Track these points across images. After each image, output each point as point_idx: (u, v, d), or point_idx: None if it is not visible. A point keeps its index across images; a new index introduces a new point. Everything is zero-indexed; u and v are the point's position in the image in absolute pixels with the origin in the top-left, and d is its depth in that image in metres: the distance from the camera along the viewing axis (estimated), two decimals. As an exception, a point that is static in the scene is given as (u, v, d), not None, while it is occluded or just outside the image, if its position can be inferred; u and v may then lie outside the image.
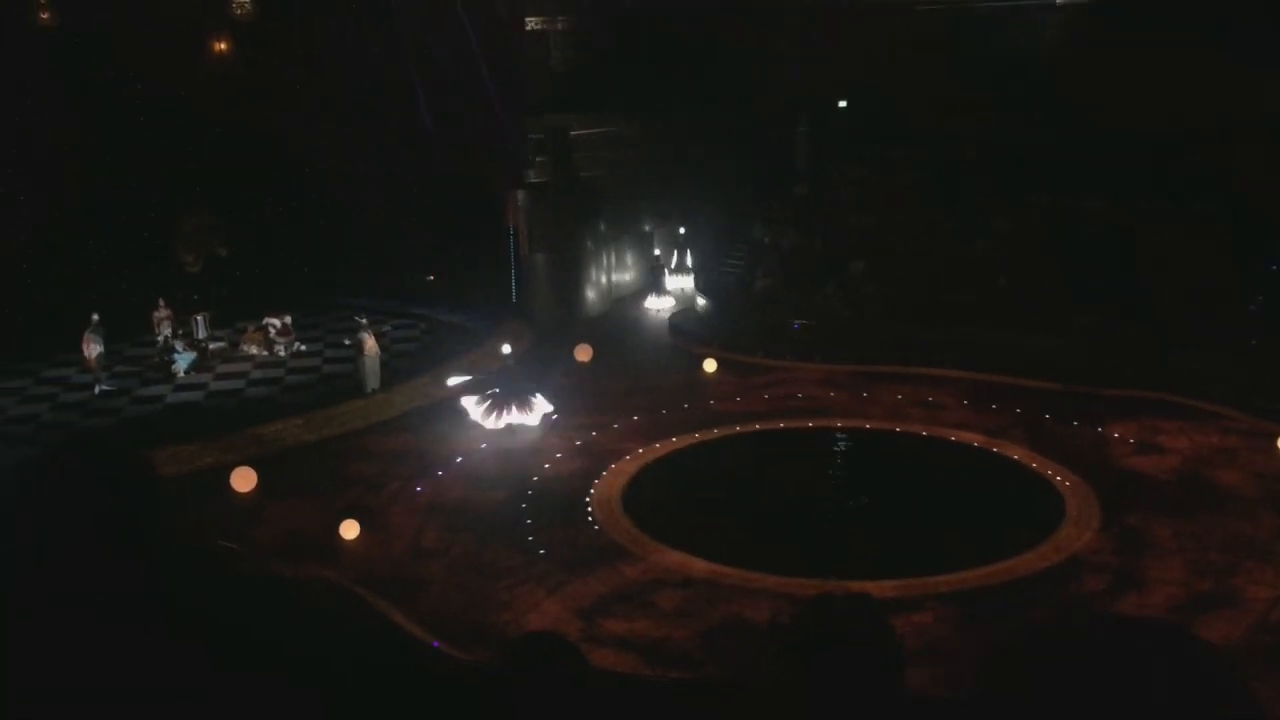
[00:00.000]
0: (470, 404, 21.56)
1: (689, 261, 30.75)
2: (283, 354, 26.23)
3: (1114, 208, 27.64)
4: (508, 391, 21.49)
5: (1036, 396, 22.80)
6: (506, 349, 22.99)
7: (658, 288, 30.40)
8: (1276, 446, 19.57)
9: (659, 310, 29.85)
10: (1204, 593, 15.10)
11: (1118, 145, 28.49)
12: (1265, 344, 22.72)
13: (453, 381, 22.93)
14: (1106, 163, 28.41)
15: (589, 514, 18.30)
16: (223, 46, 29.85)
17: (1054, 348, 24.31)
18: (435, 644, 13.88)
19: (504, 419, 21.24)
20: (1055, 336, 24.57)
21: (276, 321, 26.70)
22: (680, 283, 30.51)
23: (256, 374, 25.32)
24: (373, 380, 23.22)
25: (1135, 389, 22.61)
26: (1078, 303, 25.35)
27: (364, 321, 23.92)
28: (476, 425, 21.32)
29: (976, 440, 20.85)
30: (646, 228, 31.78)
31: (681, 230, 30.50)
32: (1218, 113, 27.93)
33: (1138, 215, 27.34)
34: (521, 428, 21.35)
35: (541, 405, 21.58)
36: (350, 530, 17.29)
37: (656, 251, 30.92)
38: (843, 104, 33.86)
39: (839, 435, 21.70)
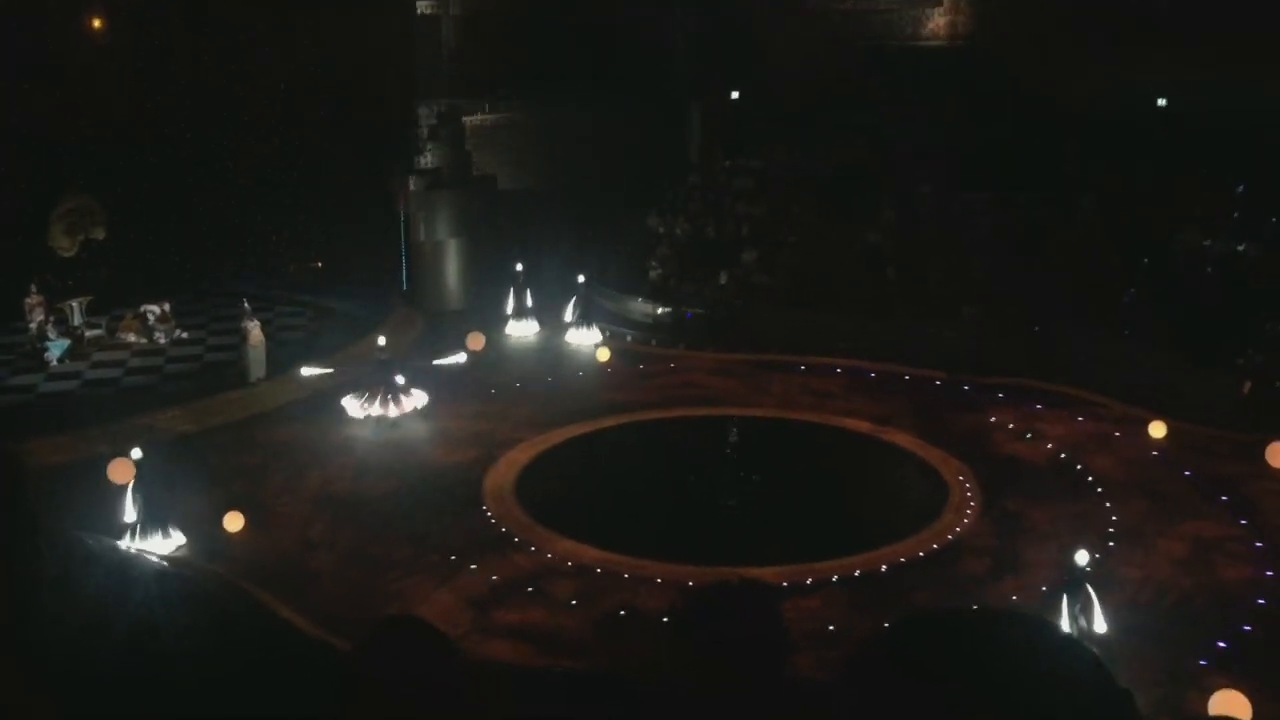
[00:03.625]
0: (350, 402, 21.19)
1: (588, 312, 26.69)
2: (162, 341, 25.42)
3: (999, 199, 28.42)
4: (382, 383, 21.15)
5: (923, 385, 23.34)
6: (381, 340, 22.58)
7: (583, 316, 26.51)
8: (1146, 432, 20.35)
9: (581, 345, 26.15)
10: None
11: (1004, 137, 29.32)
12: (1137, 333, 23.58)
13: (307, 372, 22.55)
14: (992, 155, 29.20)
15: (481, 504, 18.14)
16: (100, 19, 28.73)
17: (940, 337, 24.89)
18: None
19: (380, 409, 20.92)
20: (941, 326, 25.17)
21: (155, 308, 25.84)
22: (581, 337, 26.26)
23: (135, 362, 24.49)
24: (257, 369, 22.66)
25: (1017, 377, 23.31)
26: (964, 292, 26.00)
27: (248, 308, 23.32)
28: (361, 418, 20.93)
29: (864, 428, 21.24)
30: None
31: (580, 279, 26.67)
32: (1097, 103, 28.95)
33: (1022, 206, 28.17)
34: (403, 419, 21.03)
35: (419, 396, 21.32)
36: (234, 523, 16.85)
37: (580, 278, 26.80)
38: (735, 94, 34.13)
39: (731, 423, 21.90)
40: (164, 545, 16.17)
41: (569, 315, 26.58)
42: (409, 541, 16.76)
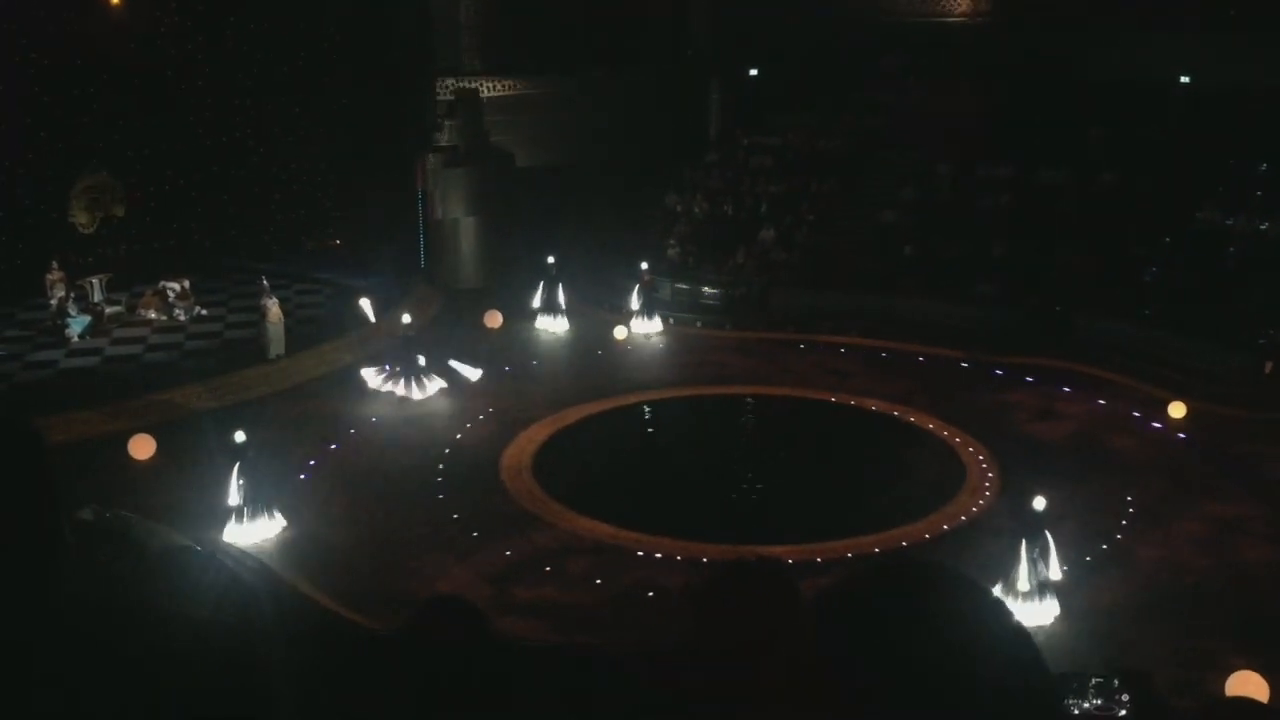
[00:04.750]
0: (370, 374, 21.26)
1: (561, 299, 25.69)
2: (182, 318, 25.53)
3: (1021, 177, 28.23)
4: (405, 362, 21.19)
5: (941, 364, 23.26)
6: (406, 319, 22.52)
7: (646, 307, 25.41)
8: (1167, 412, 20.24)
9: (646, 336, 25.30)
10: (1097, 554, 15.60)
11: (1025, 114, 29.09)
12: (1158, 312, 23.44)
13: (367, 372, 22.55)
14: (1016, 132, 29.00)
15: (499, 481, 18.22)
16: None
17: (959, 315, 24.80)
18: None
19: (404, 390, 20.99)
20: (960, 305, 25.07)
21: (176, 285, 25.94)
22: (550, 324, 25.62)
23: (155, 339, 24.62)
24: (276, 346, 22.75)
25: (1035, 356, 23.19)
26: (981, 271, 25.90)
27: (267, 285, 23.41)
28: (384, 393, 21.05)
29: (882, 407, 21.20)
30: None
31: (550, 260, 25.74)
32: (1119, 79, 28.69)
33: (1043, 184, 27.99)
34: (429, 395, 21.15)
35: (458, 371, 21.39)
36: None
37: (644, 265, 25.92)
38: (754, 71, 33.95)
39: (748, 402, 21.90)
40: (269, 529, 16.13)
41: (634, 304, 25.33)
42: (428, 518, 16.85)
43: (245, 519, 16.04)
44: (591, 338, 25.10)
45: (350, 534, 16.37)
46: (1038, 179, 28.14)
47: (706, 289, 27.37)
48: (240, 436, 16.20)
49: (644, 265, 25.87)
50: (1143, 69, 29.08)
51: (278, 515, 16.28)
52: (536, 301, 25.83)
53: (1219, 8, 29.50)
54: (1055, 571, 14.00)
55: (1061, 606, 14.01)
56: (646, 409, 21.51)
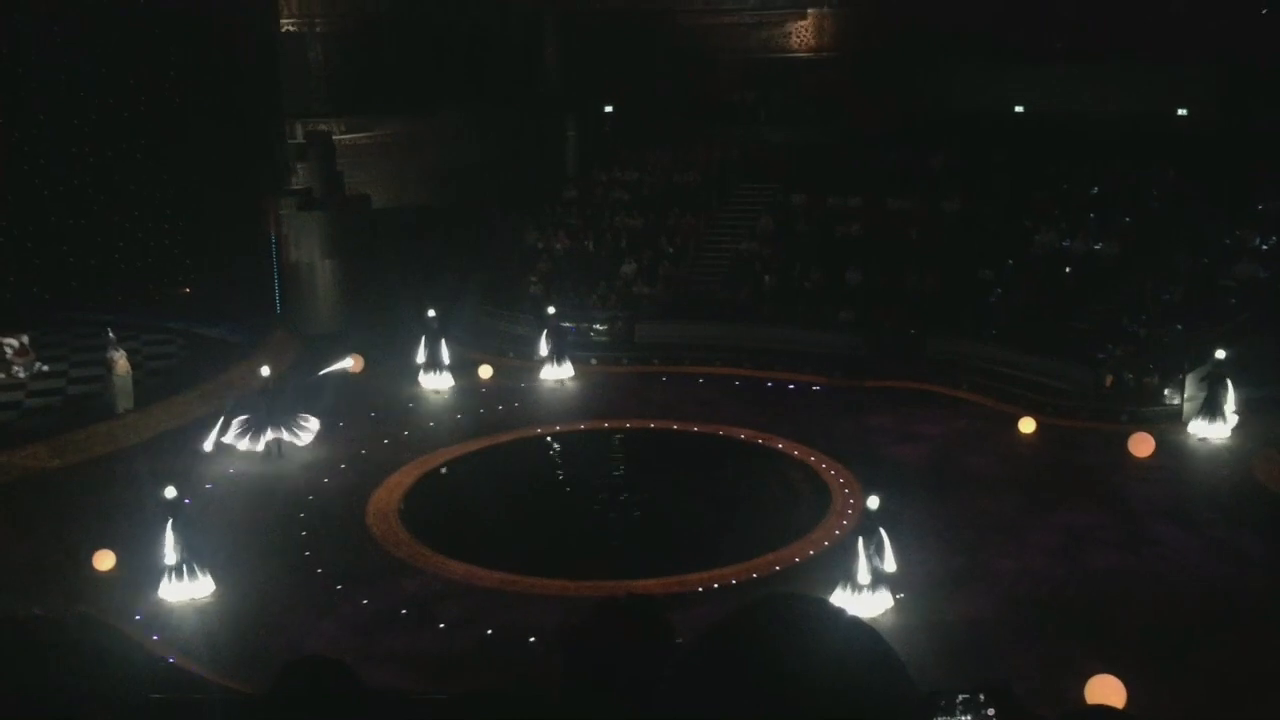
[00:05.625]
0: (231, 431, 20.57)
1: (444, 355, 24.39)
2: (21, 375, 24.30)
3: (871, 206, 29.12)
4: (268, 413, 20.62)
5: (804, 391, 23.74)
6: (265, 370, 21.86)
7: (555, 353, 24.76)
8: (1017, 429, 21.05)
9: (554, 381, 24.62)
10: (958, 568, 16.06)
11: (875, 144, 30.13)
12: (1005, 333, 24.38)
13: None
14: (864, 162, 29.98)
15: (366, 529, 17.80)
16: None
17: (819, 342, 25.38)
18: (170, 659, 13.25)
19: (264, 440, 20.43)
20: (820, 332, 25.66)
21: (14, 341, 24.68)
22: (434, 382, 24.34)
23: (-8, 398, 23.39)
24: (125, 400, 21.85)
25: (892, 380, 23.91)
26: (839, 298, 26.56)
27: (113, 337, 22.49)
28: (242, 448, 20.37)
29: (748, 435, 21.49)
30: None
31: (431, 313, 24.40)
32: (957, 110, 29.98)
33: (891, 212, 28.92)
34: (289, 448, 20.59)
35: (311, 425, 20.89)
36: (105, 561, 16.18)
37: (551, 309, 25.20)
38: (609, 109, 34.32)
39: (615, 436, 21.94)
40: (202, 587, 15.49)
41: (542, 349, 24.68)
42: (293, 571, 16.34)
43: (180, 577, 15.43)
44: (454, 375, 24.75)
45: (212, 592, 15.74)
46: (886, 207, 29.09)
47: (596, 326, 27.28)
48: (171, 492, 15.68)
49: (551, 309, 25.17)
50: (979, 100, 30.48)
51: (205, 576, 15.63)
52: (420, 357, 24.34)
53: (1046, 41, 31.14)
54: (890, 564, 14.88)
55: (924, 620, 14.41)
56: (513, 448, 21.32)
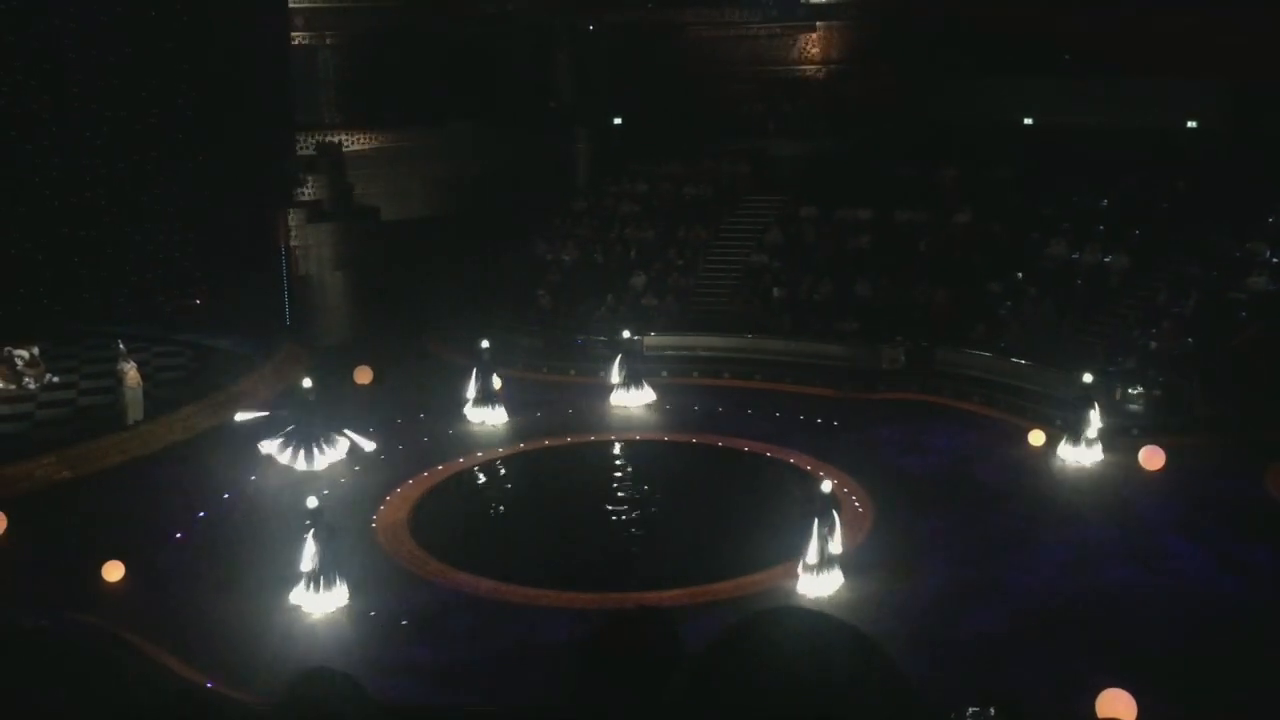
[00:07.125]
0: (269, 444, 20.44)
1: (496, 386, 23.12)
2: (32, 387, 24.39)
3: (881, 218, 29.09)
4: (309, 426, 20.48)
5: (812, 403, 23.69)
6: (307, 382, 21.36)
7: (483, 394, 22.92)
8: (1027, 440, 20.97)
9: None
10: (968, 581, 16.00)
11: (884, 157, 30.11)
12: (1015, 345, 24.31)
13: (241, 417, 21.85)
14: (874, 175, 29.96)
15: (375, 540, 17.81)
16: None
17: (828, 354, 25.36)
18: (210, 684, 13.19)
19: (308, 457, 20.26)
20: (828, 344, 25.64)
21: (24, 353, 24.76)
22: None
23: (3, 409, 23.44)
24: (135, 412, 21.91)
25: (902, 392, 23.86)
26: (848, 310, 26.52)
27: (124, 349, 22.57)
28: (284, 463, 20.24)
29: (755, 448, 21.45)
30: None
31: (484, 344, 23.04)
32: (967, 122, 29.98)
33: (901, 225, 28.88)
34: (330, 464, 20.44)
35: (352, 439, 20.75)
36: (114, 572, 16.21)
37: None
38: (618, 120, 34.37)
39: (623, 447, 21.93)
40: (339, 598, 15.54)
41: (615, 376, 23.66)
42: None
43: (318, 587, 15.50)
44: (463, 387, 24.69)
45: (219, 603, 15.75)
46: (895, 220, 29.05)
47: (579, 337, 27.26)
48: (313, 502, 15.85)
49: (626, 332, 24.14)
50: (989, 112, 30.46)
51: (343, 586, 15.66)
52: (470, 391, 22.91)
53: (1055, 54, 31.14)
54: (838, 546, 15.59)
55: (934, 633, 14.34)
56: (522, 460, 21.32)
